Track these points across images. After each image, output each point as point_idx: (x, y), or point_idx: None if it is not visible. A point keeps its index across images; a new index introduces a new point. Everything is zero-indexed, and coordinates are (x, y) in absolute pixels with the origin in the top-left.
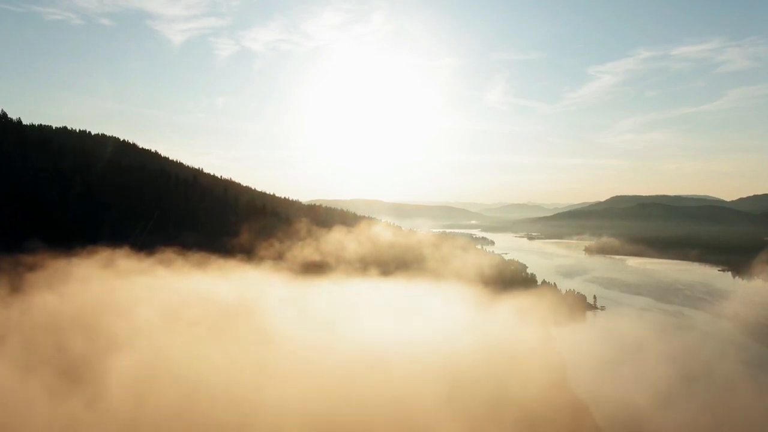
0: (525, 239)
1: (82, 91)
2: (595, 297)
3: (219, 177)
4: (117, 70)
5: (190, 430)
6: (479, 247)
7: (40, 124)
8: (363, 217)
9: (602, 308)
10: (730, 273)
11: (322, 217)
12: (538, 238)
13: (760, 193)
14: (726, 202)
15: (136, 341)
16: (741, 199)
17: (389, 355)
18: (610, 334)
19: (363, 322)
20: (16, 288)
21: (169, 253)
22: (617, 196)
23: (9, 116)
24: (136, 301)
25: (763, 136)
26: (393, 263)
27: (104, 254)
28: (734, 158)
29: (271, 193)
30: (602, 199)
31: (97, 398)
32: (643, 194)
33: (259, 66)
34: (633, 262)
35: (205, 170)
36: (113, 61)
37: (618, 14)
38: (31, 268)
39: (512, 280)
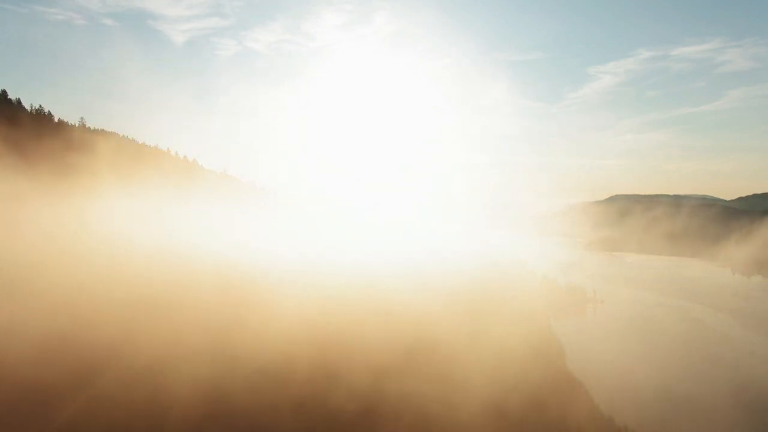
0: (525, 237)
1: (83, 90)
2: (594, 291)
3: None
4: (119, 69)
5: None
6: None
7: (40, 106)
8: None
9: (602, 302)
10: (729, 269)
11: None
12: (539, 236)
13: (759, 192)
14: (726, 201)
15: None
16: (740, 198)
17: None
18: (608, 324)
19: None
20: None
21: None
22: (617, 195)
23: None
24: None
25: (763, 136)
26: None
27: None
28: (734, 158)
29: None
30: (602, 198)
31: None
32: (643, 193)
33: (261, 66)
34: (633, 258)
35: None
36: (115, 61)
37: (618, 14)
38: None
39: None
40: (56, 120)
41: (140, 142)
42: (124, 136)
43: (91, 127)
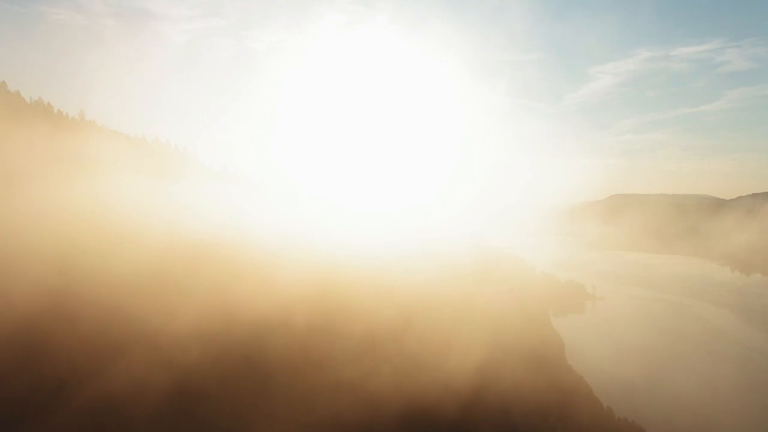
0: (525, 236)
1: (83, 91)
2: (594, 288)
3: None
4: (120, 70)
5: None
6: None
7: (39, 97)
8: None
9: (601, 298)
10: (728, 267)
11: None
12: (539, 234)
13: (759, 192)
14: (725, 200)
15: None
16: (740, 198)
17: None
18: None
19: None
20: None
21: None
22: (617, 194)
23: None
24: None
25: (763, 136)
26: None
27: None
28: (734, 158)
29: None
30: (602, 198)
31: None
32: (643, 193)
33: (262, 66)
34: (632, 256)
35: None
36: (116, 61)
37: (618, 14)
38: None
39: None
40: (55, 111)
41: (140, 136)
42: (126, 135)
43: (90, 120)
